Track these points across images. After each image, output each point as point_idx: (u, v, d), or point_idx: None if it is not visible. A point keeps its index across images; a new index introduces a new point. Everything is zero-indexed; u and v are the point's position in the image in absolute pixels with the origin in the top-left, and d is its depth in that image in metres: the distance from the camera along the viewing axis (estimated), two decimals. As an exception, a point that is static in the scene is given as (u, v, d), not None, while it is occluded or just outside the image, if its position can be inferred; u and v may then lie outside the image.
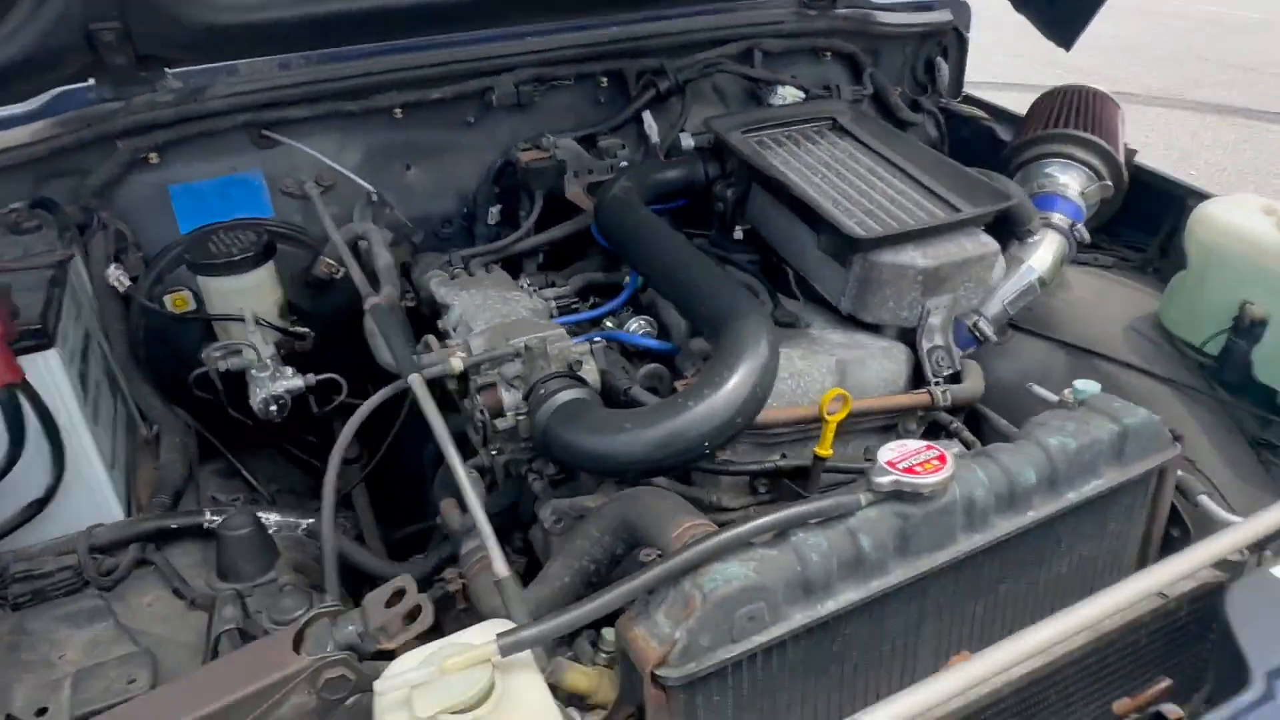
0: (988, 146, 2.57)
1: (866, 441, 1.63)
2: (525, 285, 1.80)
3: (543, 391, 1.36)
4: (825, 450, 1.44)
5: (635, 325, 1.66)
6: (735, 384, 1.25)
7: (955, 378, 1.65)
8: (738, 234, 1.85)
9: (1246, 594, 1.08)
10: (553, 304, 1.71)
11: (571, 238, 1.95)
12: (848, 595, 1.05)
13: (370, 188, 1.89)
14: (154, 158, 1.83)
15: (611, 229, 1.71)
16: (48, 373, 1.41)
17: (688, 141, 2.06)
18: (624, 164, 1.96)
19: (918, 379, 1.64)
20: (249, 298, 1.65)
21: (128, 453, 1.76)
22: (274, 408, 1.67)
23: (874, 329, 1.63)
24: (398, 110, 1.99)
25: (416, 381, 1.26)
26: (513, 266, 2.03)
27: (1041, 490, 1.17)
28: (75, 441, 1.49)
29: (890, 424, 1.63)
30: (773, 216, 1.78)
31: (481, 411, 1.39)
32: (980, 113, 2.61)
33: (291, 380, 1.68)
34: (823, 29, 2.37)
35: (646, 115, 2.15)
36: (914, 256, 1.54)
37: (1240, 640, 1.03)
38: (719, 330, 1.36)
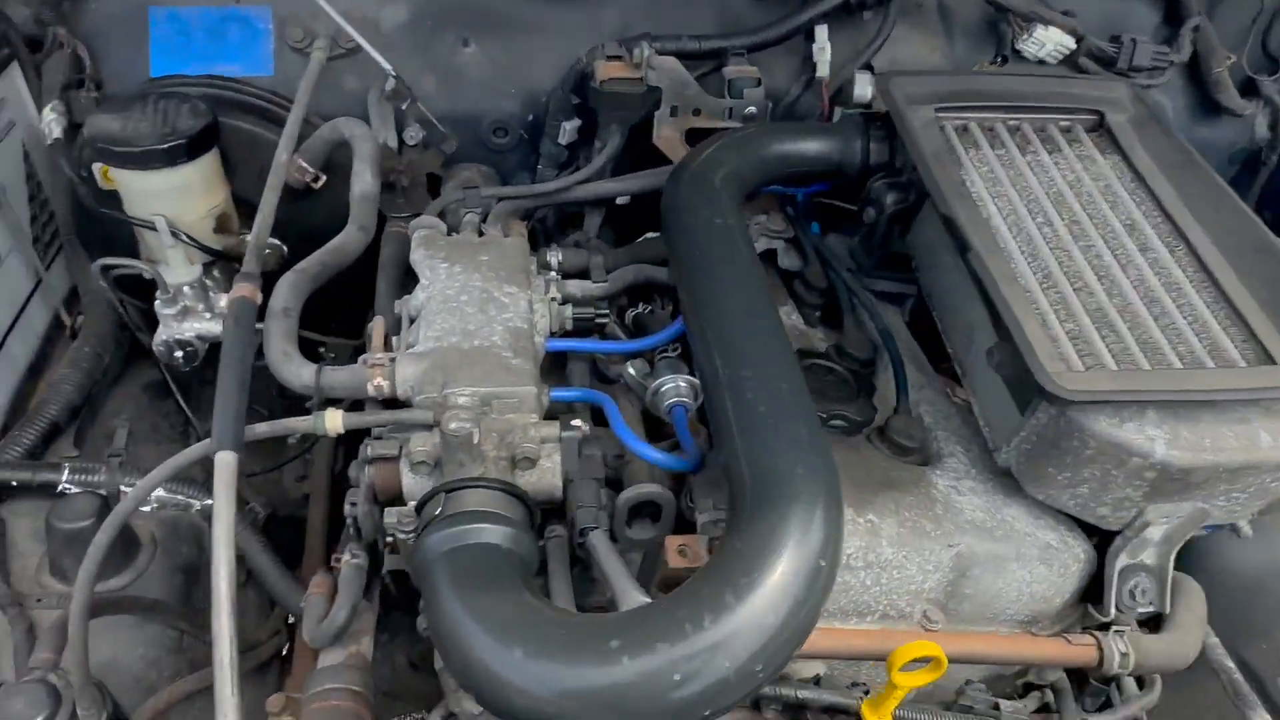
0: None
1: (969, 673, 1.03)
2: (553, 264, 1.24)
3: (438, 512, 0.84)
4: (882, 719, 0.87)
5: (671, 386, 1.08)
6: (727, 635, 0.68)
7: (1155, 619, 0.99)
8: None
9: None
10: (568, 312, 1.15)
11: (653, 196, 1.34)
12: None
13: (389, 68, 1.34)
14: (131, -34, 1.35)
15: (669, 224, 1.10)
16: None
17: (864, 89, 1.37)
18: (749, 110, 1.30)
19: (1091, 593, 0.99)
20: (168, 201, 1.20)
21: (36, 347, 1.41)
22: (179, 354, 1.25)
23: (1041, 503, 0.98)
24: (463, -42, 1.40)
25: (223, 463, 0.77)
26: (575, 218, 1.47)
27: None
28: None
29: (1019, 658, 1.01)
30: (941, 263, 1.11)
31: (353, 504, 0.89)
32: (1351, 122, 1.70)
33: (207, 323, 1.24)
34: (1139, -56, 1.52)
35: (821, 31, 1.44)
36: (1153, 439, 0.85)
37: None
38: (744, 500, 0.77)
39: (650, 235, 1.38)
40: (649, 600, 0.79)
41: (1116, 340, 0.93)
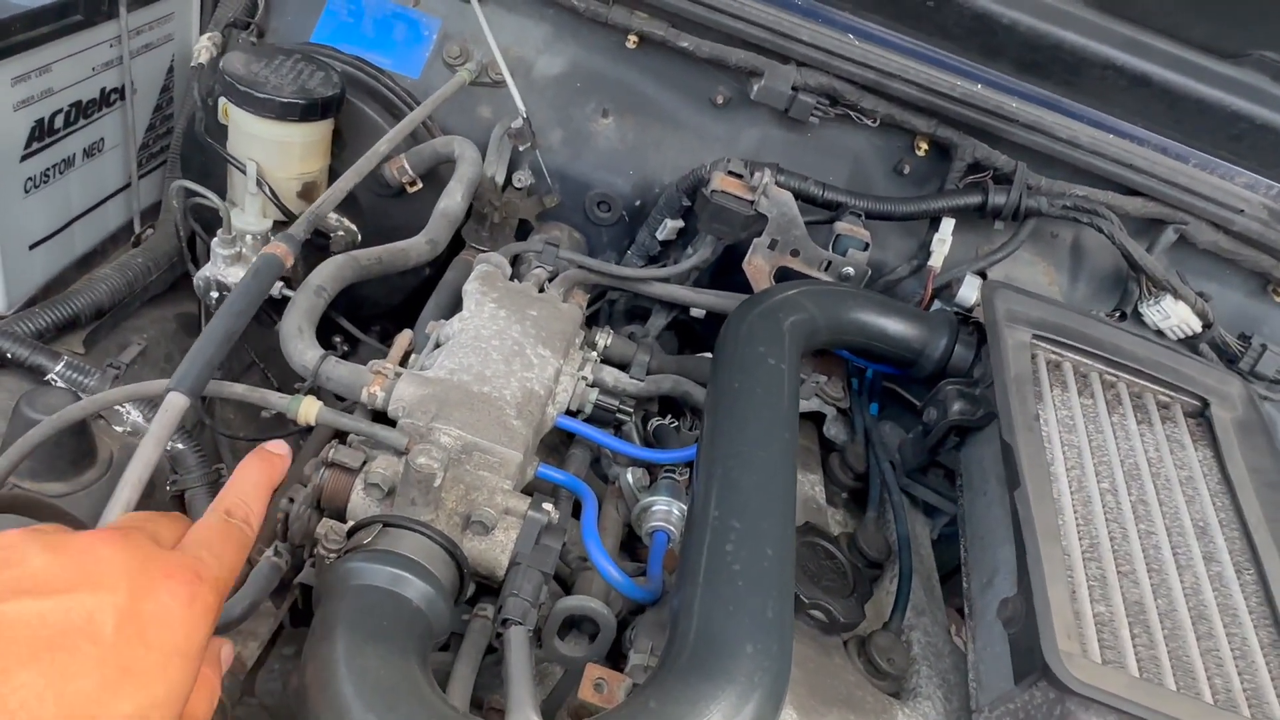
0: None
1: None
2: (598, 346, 1.20)
3: (367, 541, 0.78)
4: None
5: (662, 509, 1.00)
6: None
7: None
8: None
9: None
10: (592, 396, 1.09)
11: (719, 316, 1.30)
12: None
13: (523, 109, 1.35)
14: (333, -59, 1.42)
15: (722, 347, 1.04)
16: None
17: (969, 291, 1.31)
18: (847, 270, 1.26)
19: None
20: (267, 151, 1.21)
21: (98, 242, 1.43)
22: (214, 294, 1.23)
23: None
24: (632, 38, 1.42)
25: (170, 403, 0.72)
26: (644, 314, 1.44)
27: None
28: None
29: None
30: (987, 491, 1.02)
31: (291, 499, 0.83)
32: None
33: (251, 276, 1.23)
34: (1297, 256, 1.45)
35: (947, 224, 1.40)
36: (1153, 771, 0.73)
37: None
38: (679, 658, 0.68)
39: (707, 355, 1.33)
40: (536, 725, 0.70)
41: (1147, 645, 0.82)
